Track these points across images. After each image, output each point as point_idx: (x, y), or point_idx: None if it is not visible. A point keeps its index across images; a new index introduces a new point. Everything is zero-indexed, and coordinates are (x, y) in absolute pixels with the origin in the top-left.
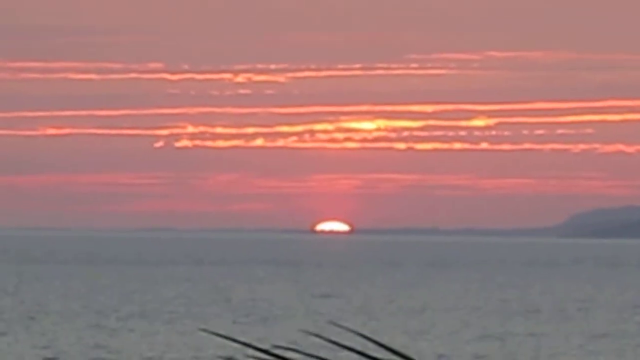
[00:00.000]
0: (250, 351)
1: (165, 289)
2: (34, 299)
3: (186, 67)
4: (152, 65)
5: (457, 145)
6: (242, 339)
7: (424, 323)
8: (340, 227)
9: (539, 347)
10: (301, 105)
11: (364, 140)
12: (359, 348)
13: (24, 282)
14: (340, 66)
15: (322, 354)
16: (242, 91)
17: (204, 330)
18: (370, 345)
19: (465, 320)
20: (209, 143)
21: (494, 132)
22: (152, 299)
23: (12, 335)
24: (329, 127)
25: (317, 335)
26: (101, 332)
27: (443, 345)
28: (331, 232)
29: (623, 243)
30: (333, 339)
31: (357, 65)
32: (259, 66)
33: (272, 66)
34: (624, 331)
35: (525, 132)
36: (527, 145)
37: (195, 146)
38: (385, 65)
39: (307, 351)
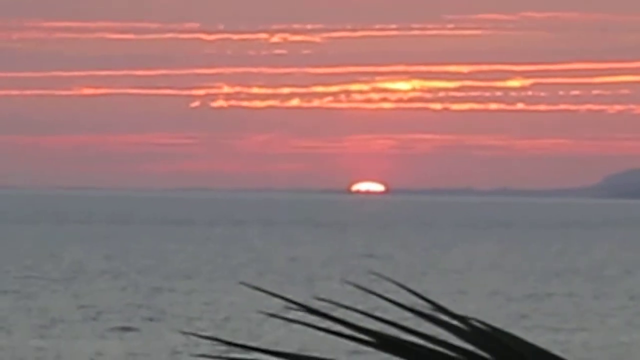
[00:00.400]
0: (292, 306)
1: (204, 249)
2: (73, 260)
3: (222, 27)
4: (188, 25)
5: (493, 106)
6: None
7: (463, 283)
8: (376, 187)
9: (579, 307)
10: (337, 66)
11: (400, 100)
12: (402, 302)
13: (62, 242)
14: (376, 26)
15: (364, 308)
16: (277, 51)
17: (244, 284)
18: (414, 299)
19: (504, 280)
20: (244, 103)
21: (529, 93)
22: (191, 258)
23: (51, 295)
24: (365, 87)
25: (360, 287)
26: (141, 291)
27: (483, 305)
28: (367, 192)
29: None
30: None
31: (393, 26)
32: (295, 26)
33: (309, 26)
34: None
35: (561, 92)
36: (562, 106)
37: (231, 106)
38: (420, 25)
39: (350, 304)
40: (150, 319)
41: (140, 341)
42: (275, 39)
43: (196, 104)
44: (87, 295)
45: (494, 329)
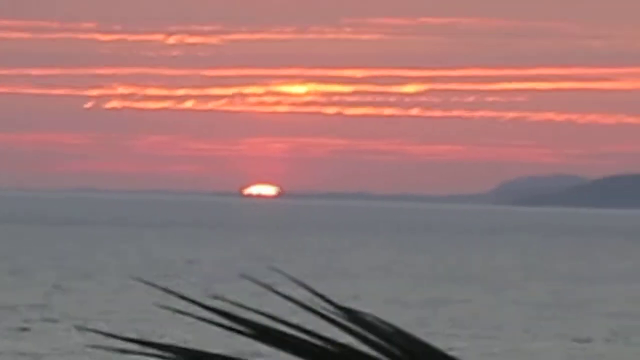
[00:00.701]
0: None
1: (99, 250)
2: None
3: (118, 27)
4: (85, 24)
5: (388, 111)
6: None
7: (358, 288)
8: (269, 190)
9: (477, 313)
10: (233, 68)
11: (294, 104)
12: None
13: None
14: (273, 29)
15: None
16: (174, 52)
17: (137, 279)
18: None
19: (401, 285)
20: (139, 104)
21: (424, 99)
22: (86, 259)
23: None
24: (260, 90)
25: (256, 281)
26: (38, 291)
27: (379, 310)
28: (259, 196)
29: (552, 211)
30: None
31: (290, 29)
32: (192, 27)
33: (206, 28)
34: (563, 300)
35: (455, 99)
36: (457, 112)
37: (125, 107)
38: (318, 28)
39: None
40: (48, 319)
41: (36, 341)
42: (172, 40)
43: (90, 104)
44: None
45: (383, 322)
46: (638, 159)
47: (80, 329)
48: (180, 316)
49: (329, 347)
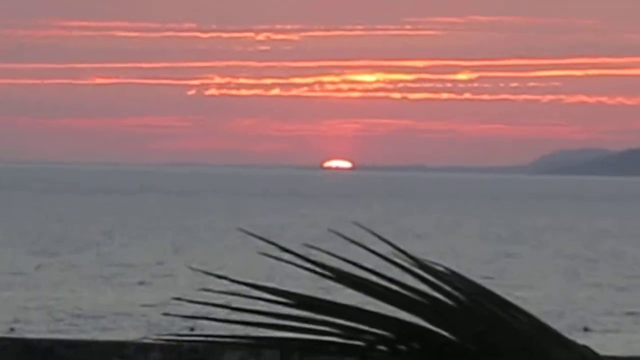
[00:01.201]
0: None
1: (217, 218)
2: (99, 227)
3: (214, 26)
4: (186, 25)
5: (444, 96)
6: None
7: (425, 245)
8: (344, 164)
9: (519, 267)
10: (312, 60)
11: (365, 90)
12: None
13: (88, 211)
14: (345, 27)
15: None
16: (262, 47)
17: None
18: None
19: (454, 244)
20: (233, 92)
21: (475, 85)
22: (213, 227)
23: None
24: (336, 79)
25: (342, 236)
26: (162, 250)
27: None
28: (337, 168)
29: (582, 179)
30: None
31: (360, 27)
32: (277, 26)
33: (288, 26)
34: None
35: (502, 84)
36: (503, 96)
37: (221, 94)
38: (383, 26)
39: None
40: (166, 275)
41: (153, 293)
42: (260, 37)
43: (192, 92)
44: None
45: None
46: None
47: (194, 269)
48: (281, 265)
49: (407, 293)
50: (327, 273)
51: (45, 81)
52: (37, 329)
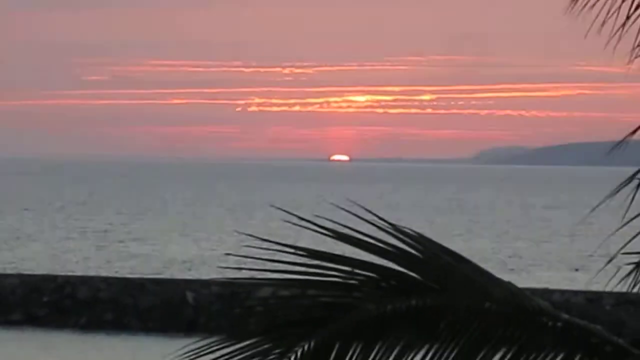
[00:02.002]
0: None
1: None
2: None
3: (254, 63)
4: (235, 62)
5: (413, 110)
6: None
7: (394, 216)
8: (344, 158)
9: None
10: (322, 87)
11: (359, 107)
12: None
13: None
14: (344, 63)
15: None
16: (287, 78)
17: (276, 206)
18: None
19: (421, 214)
20: (267, 108)
21: (435, 103)
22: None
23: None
24: (338, 99)
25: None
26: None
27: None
28: (339, 161)
29: (509, 168)
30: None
31: (354, 63)
32: (297, 63)
33: (305, 63)
34: None
35: (452, 102)
36: (454, 111)
37: (260, 110)
38: (371, 63)
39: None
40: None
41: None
42: (286, 71)
43: (239, 109)
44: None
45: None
46: None
47: (238, 232)
48: (301, 230)
49: (388, 247)
50: (330, 234)
51: (137, 102)
52: (134, 272)
